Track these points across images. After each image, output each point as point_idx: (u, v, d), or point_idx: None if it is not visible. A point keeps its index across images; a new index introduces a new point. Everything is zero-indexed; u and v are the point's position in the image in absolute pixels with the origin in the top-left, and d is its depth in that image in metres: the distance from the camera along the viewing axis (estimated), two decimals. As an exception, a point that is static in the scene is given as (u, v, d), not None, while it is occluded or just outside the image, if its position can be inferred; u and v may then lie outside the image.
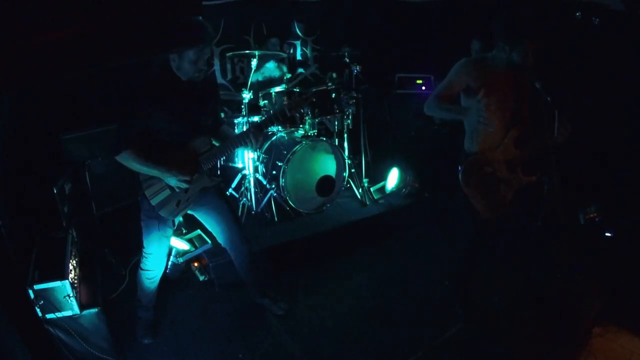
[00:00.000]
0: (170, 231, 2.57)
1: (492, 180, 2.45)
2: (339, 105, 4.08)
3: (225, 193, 2.89)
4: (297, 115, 3.87)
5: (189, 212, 2.64)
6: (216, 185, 2.65)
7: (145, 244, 2.56)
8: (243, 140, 2.41)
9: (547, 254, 2.99)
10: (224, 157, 2.60)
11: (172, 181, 2.37)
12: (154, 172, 2.34)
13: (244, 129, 3.70)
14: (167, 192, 2.43)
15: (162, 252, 2.61)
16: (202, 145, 2.45)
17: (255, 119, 3.87)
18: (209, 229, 2.73)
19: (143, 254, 2.59)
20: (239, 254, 2.77)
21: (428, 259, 3.58)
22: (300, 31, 5.00)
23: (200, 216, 2.68)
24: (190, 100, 2.36)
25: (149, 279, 2.65)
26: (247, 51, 3.94)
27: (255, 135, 2.39)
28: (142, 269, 2.63)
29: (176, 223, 2.59)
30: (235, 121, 3.84)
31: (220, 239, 2.74)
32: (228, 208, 2.68)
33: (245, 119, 3.78)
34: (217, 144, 2.53)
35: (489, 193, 2.46)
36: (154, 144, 2.33)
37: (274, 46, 4.60)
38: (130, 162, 2.28)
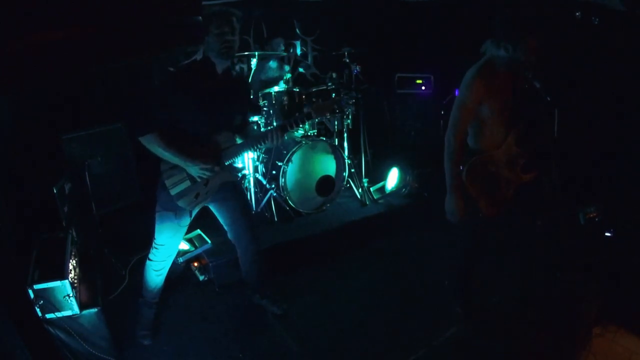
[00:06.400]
0: (187, 221, 2.56)
1: (494, 178, 2.46)
2: (339, 105, 4.08)
3: (242, 189, 2.90)
4: (297, 114, 3.87)
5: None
6: (235, 181, 2.68)
7: (157, 235, 2.55)
8: (265, 138, 2.46)
9: (547, 254, 2.99)
10: (246, 154, 2.64)
11: (194, 170, 2.38)
12: (176, 159, 2.34)
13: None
14: (188, 183, 2.44)
15: (174, 244, 2.60)
16: (226, 140, 2.48)
17: (255, 118, 3.88)
18: (221, 222, 2.74)
19: (153, 245, 2.59)
20: (245, 251, 2.79)
21: (428, 259, 3.58)
22: (299, 31, 5.00)
23: (214, 208, 2.69)
24: (222, 94, 2.41)
25: (156, 271, 2.63)
26: (246, 52, 3.94)
27: (278, 134, 2.45)
28: (150, 260, 2.62)
29: (193, 214, 2.58)
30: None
31: (229, 234, 2.76)
32: (243, 204, 2.71)
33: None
34: (240, 141, 2.56)
35: (491, 191, 2.46)
36: (178, 133, 2.35)
37: (277, 45, 4.59)
38: (154, 146, 2.30)
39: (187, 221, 2.56)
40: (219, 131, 2.45)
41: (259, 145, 2.52)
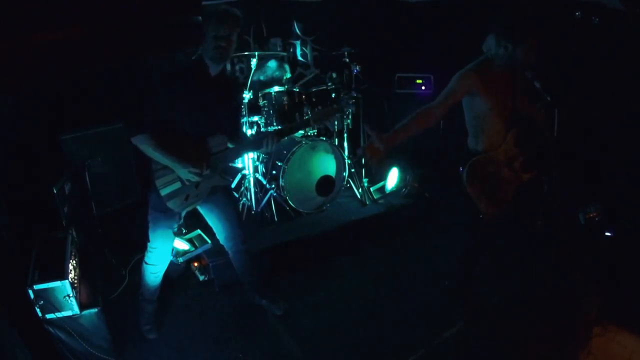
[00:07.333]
0: (176, 225, 2.57)
1: (494, 178, 2.46)
2: (339, 105, 4.08)
3: (232, 193, 2.90)
4: (297, 114, 3.88)
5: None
6: (226, 186, 2.68)
7: (150, 237, 2.56)
8: (258, 144, 2.45)
9: (547, 254, 2.99)
10: (237, 159, 2.62)
11: (183, 172, 2.36)
12: (166, 160, 2.33)
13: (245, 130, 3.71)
14: (178, 184, 2.43)
15: (166, 246, 2.62)
16: (218, 144, 2.46)
17: (255, 118, 3.88)
18: (210, 224, 2.75)
19: (148, 247, 2.60)
20: (235, 252, 2.80)
21: (428, 259, 3.58)
22: (299, 31, 5.00)
23: (204, 211, 2.69)
24: (214, 97, 2.40)
25: (153, 274, 2.65)
26: (246, 52, 3.94)
27: (272, 140, 2.43)
28: (146, 263, 2.64)
29: (182, 217, 2.58)
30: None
31: (219, 236, 2.77)
32: (231, 207, 2.72)
33: (245, 118, 3.78)
34: (232, 146, 2.55)
35: (491, 192, 2.47)
36: (171, 135, 2.34)
37: (274, 46, 4.59)
38: (145, 146, 2.29)
39: (176, 223, 2.56)
40: (210, 134, 2.42)
41: (252, 152, 2.50)
